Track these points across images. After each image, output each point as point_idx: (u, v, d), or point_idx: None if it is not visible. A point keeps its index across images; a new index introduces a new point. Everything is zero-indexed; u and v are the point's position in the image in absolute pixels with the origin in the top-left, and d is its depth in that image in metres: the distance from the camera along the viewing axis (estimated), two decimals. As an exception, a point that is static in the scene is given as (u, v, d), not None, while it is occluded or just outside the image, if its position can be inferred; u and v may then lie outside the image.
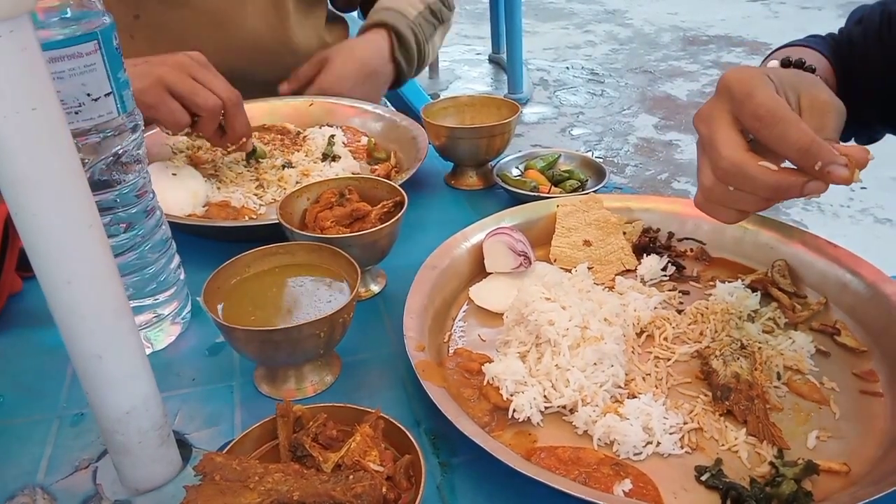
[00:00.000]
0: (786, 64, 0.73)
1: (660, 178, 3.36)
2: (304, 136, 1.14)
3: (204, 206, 0.97)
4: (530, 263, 0.82)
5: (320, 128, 1.16)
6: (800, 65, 0.73)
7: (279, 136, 1.15)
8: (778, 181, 0.60)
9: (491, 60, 4.88)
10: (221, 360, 0.73)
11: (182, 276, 0.77)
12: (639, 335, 0.73)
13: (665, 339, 0.72)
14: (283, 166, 1.07)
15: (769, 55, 0.90)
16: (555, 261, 0.86)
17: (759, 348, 0.69)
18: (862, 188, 3.12)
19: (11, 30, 0.39)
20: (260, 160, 1.08)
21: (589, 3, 6.20)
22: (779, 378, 0.67)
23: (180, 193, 0.95)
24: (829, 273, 0.77)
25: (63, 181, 0.44)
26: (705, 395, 0.66)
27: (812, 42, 0.91)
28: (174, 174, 0.98)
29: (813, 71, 0.72)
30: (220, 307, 0.66)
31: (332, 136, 1.12)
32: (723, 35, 5.26)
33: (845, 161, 0.58)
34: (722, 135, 0.62)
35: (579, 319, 0.68)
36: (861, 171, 0.60)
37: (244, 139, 1.01)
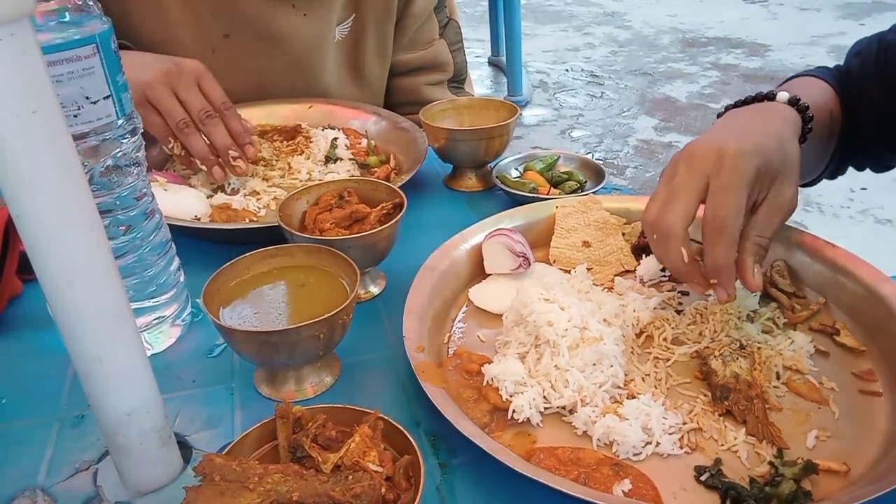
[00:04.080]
0: (793, 102, 0.75)
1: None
2: (310, 138, 1.14)
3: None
4: (529, 264, 0.82)
5: (322, 130, 1.16)
6: (804, 109, 0.75)
7: (279, 138, 1.15)
8: (678, 269, 0.68)
9: (490, 63, 4.89)
10: (221, 362, 0.73)
11: (182, 279, 0.77)
12: (638, 336, 0.73)
13: (664, 339, 0.72)
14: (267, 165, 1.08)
15: (782, 84, 0.91)
16: (554, 262, 0.86)
17: (759, 348, 0.69)
18: (862, 189, 3.12)
19: (12, 33, 0.39)
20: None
21: (588, 5, 6.21)
22: (778, 378, 0.67)
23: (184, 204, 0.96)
24: (828, 273, 0.77)
25: (64, 183, 0.44)
26: (704, 396, 0.66)
27: (821, 72, 0.93)
28: (165, 189, 0.98)
29: (811, 119, 0.75)
30: (219, 309, 0.66)
31: (335, 138, 1.13)
32: (722, 37, 5.26)
33: (733, 293, 0.67)
34: (683, 197, 0.66)
35: (578, 320, 0.68)
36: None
37: (246, 146, 1.01)
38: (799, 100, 0.75)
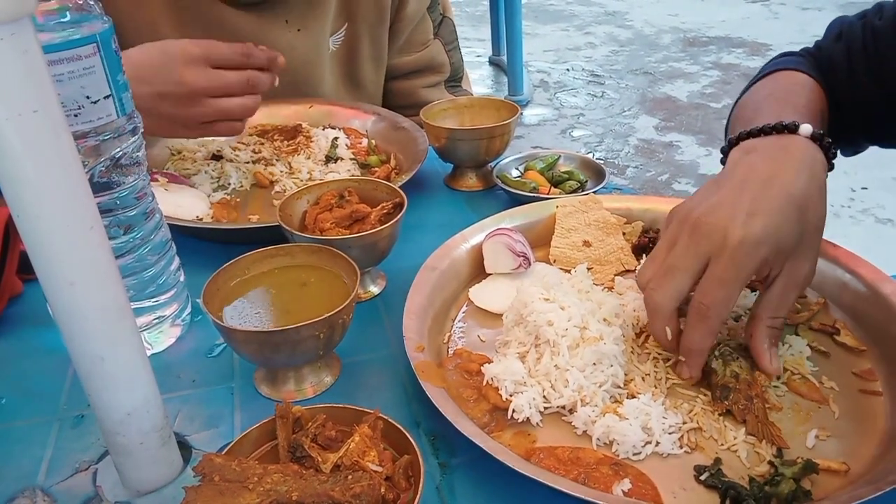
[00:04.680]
0: (817, 137, 0.69)
1: (660, 180, 3.36)
2: (310, 138, 1.14)
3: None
4: (530, 264, 0.82)
5: (323, 129, 1.16)
6: (828, 147, 0.69)
7: (279, 138, 1.15)
8: (660, 342, 0.67)
9: (491, 62, 4.88)
10: (221, 362, 0.73)
11: (182, 278, 0.77)
12: (638, 335, 0.73)
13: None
14: (254, 162, 1.09)
15: (761, 75, 0.88)
16: (554, 261, 0.86)
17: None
18: (863, 188, 3.12)
19: (13, 32, 0.39)
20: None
21: (589, 4, 6.21)
22: (778, 378, 0.67)
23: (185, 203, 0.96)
24: (827, 273, 0.77)
25: (64, 183, 0.44)
26: (704, 395, 0.66)
27: (797, 64, 0.88)
28: (166, 190, 0.98)
29: (834, 156, 0.70)
30: (220, 309, 0.66)
31: (336, 138, 1.13)
32: (723, 36, 5.26)
33: (697, 375, 0.66)
34: (678, 277, 0.63)
35: (578, 320, 0.68)
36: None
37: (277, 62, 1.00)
38: (823, 134, 0.69)
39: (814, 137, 0.69)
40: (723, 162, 0.74)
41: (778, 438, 0.61)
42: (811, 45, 0.94)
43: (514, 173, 1.04)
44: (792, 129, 0.69)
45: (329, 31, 1.23)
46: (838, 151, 0.74)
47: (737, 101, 0.93)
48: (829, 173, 0.70)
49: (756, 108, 0.80)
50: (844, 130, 0.89)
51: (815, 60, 0.90)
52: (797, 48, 0.97)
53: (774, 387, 0.66)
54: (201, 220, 0.94)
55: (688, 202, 0.67)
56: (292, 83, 1.21)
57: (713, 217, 0.62)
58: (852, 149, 0.97)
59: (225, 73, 0.95)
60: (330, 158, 1.10)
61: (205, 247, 0.89)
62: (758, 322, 0.65)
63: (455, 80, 1.41)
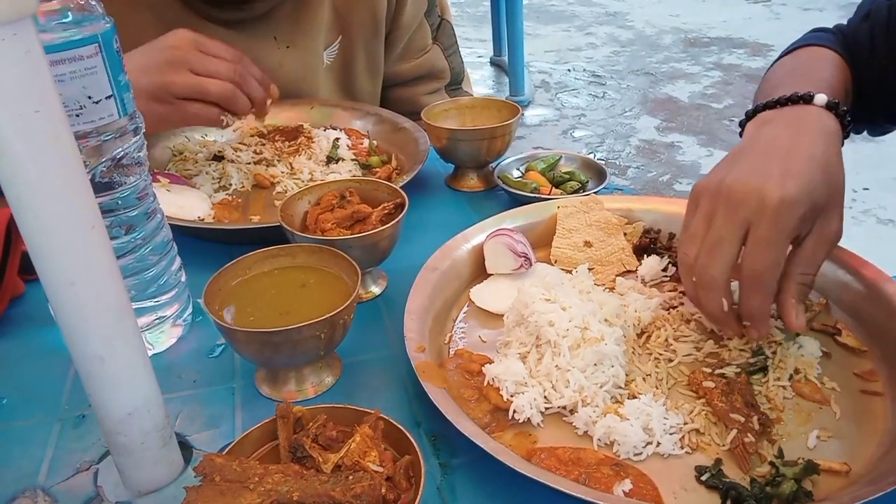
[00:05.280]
0: (832, 106, 0.70)
1: (662, 180, 3.36)
2: (311, 138, 1.14)
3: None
4: (531, 264, 0.82)
5: (324, 130, 1.17)
6: (843, 114, 0.71)
7: (281, 139, 1.15)
8: (715, 317, 0.66)
9: (492, 63, 4.89)
10: (222, 362, 0.73)
11: (183, 279, 0.77)
12: (639, 336, 0.73)
13: (665, 339, 0.72)
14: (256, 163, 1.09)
15: (788, 50, 0.88)
16: (555, 262, 0.86)
17: (779, 346, 0.69)
18: (864, 189, 3.12)
19: (14, 33, 0.39)
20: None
21: (590, 5, 6.21)
22: (790, 379, 0.67)
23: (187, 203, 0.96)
24: (829, 273, 0.77)
25: (65, 183, 0.44)
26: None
27: (825, 40, 0.89)
28: (168, 191, 0.98)
29: (850, 124, 0.71)
30: (221, 309, 0.66)
31: (337, 139, 1.13)
32: (724, 37, 5.26)
33: (766, 332, 0.65)
34: (725, 248, 0.63)
35: (579, 320, 0.68)
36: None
37: (269, 100, 1.00)
38: (838, 103, 0.70)
39: (828, 107, 0.70)
40: (741, 135, 0.75)
41: (743, 460, 0.59)
42: (843, 23, 0.94)
43: (516, 174, 1.04)
44: (807, 99, 0.70)
45: (322, 45, 1.23)
46: (857, 125, 0.73)
47: (764, 77, 0.92)
48: (844, 141, 0.71)
49: (777, 83, 0.80)
50: (866, 110, 0.89)
51: (844, 38, 0.90)
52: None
53: (782, 387, 0.66)
54: (203, 220, 0.94)
55: (712, 175, 0.67)
56: (282, 101, 1.21)
57: (746, 184, 0.63)
58: (879, 129, 0.96)
59: (214, 47, 0.95)
60: (331, 159, 1.10)
61: (206, 247, 0.89)
62: (788, 278, 0.65)
63: (456, 84, 1.40)
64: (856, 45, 0.88)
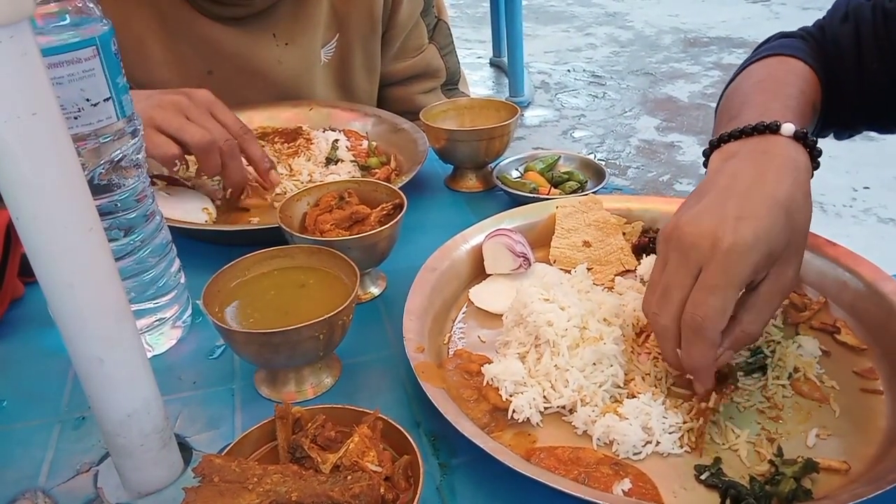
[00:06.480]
0: (800, 137, 0.65)
1: (662, 180, 3.36)
2: (310, 140, 1.14)
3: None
4: (530, 265, 0.82)
5: (323, 131, 1.17)
6: (812, 144, 0.66)
7: (280, 140, 1.15)
8: (674, 366, 0.64)
9: (492, 64, 4.89)
10: (222, 364, 0.73)
11: (182, 280, 0.77)
12: (638, 335, 0.73)
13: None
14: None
15: (752, 59, 0.85)
16: (554, 262, 0.86)
17: (778, 345, 0.69)
18: (865, 188, 3.12)
19: (11, 35, 0.39)
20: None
21: (589, 5, 6.21)
22: (789, 378, 0.67)
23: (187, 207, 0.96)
24: (828, 272, 0.77)
25: (64, 185, 0.44)
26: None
27: (794, 49, 0.84)
28: (168, 194, 0.97)
29: (819, 154, 0.66)
30: (220, 310, 0.66)
31: (336, 140, 1.13)
32: (724, 37, 5.26)
33: (711, 386, 0.62)
34: (675, 296, 0.60)
35: (578, 320, 0.68)
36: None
37: (268, 172, 0.99)
38: (806, 133, 0.65)
39: (796, 137, 0.65)
40: (705, 165, 0.70)
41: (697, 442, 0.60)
42: (810, 26, 0.90)
43: (514, 174, 1.05)
44: (774, 129, 0.65)
45: (320, 42, 1.23)
46: (825, 130, 0.68)
47: (728, 85, 0.89)
48: (814, 173, 0.66)
49: (744, 99, 0.76)
50: (844, 116, 0.86)
51: (817, 43, 0.86)
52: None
53: (782, 386, 0.66)
54: (202, 222, 0.94)
55: (672, 219, 0.63)
56: (282, 96, 1.21)
57: (698, 226, 0.59)
58: (849, 132, 0.92)
59: (223, 113, 0.94)
60: (330, 160, 1.10)
61: (205, 249, 0.89)
62: (733, 323, 0.60)
63: (452, 84, 1.40)
64: (837, 49, 0.84)
